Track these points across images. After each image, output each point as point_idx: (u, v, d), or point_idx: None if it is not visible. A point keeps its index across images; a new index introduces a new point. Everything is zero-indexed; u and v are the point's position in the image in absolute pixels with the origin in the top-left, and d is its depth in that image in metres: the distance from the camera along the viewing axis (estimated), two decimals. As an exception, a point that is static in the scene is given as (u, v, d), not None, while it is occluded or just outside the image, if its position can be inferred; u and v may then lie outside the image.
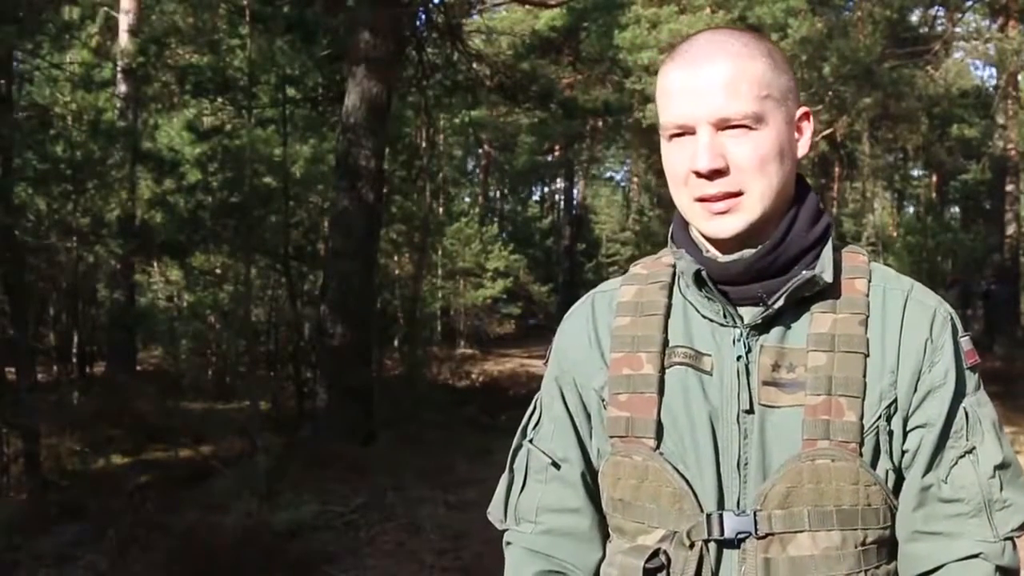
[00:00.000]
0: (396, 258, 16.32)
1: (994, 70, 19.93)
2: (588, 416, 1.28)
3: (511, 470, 1.33)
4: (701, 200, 1.16)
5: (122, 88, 12.68)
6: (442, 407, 11.88)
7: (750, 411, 1.16)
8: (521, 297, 24.83)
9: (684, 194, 1.18)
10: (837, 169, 28.85)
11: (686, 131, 1.16)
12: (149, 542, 5.98)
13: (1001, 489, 1.16)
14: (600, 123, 23.60)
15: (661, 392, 1.19)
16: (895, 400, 1.16)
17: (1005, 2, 17.96)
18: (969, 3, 19.39)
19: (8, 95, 9.22)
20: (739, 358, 1.17)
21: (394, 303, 15.78)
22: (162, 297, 15.31)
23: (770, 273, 1.17)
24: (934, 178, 28.90)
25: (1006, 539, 1.15)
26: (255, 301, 12.53)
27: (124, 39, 12.65)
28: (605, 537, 1.29)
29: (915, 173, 31.91)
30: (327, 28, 10.73)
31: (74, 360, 12.39)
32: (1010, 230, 19.24)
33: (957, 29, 19.12)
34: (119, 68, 12.36)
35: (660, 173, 1.30)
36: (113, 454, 9.11)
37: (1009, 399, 10.57)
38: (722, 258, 1.19)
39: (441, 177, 18.51)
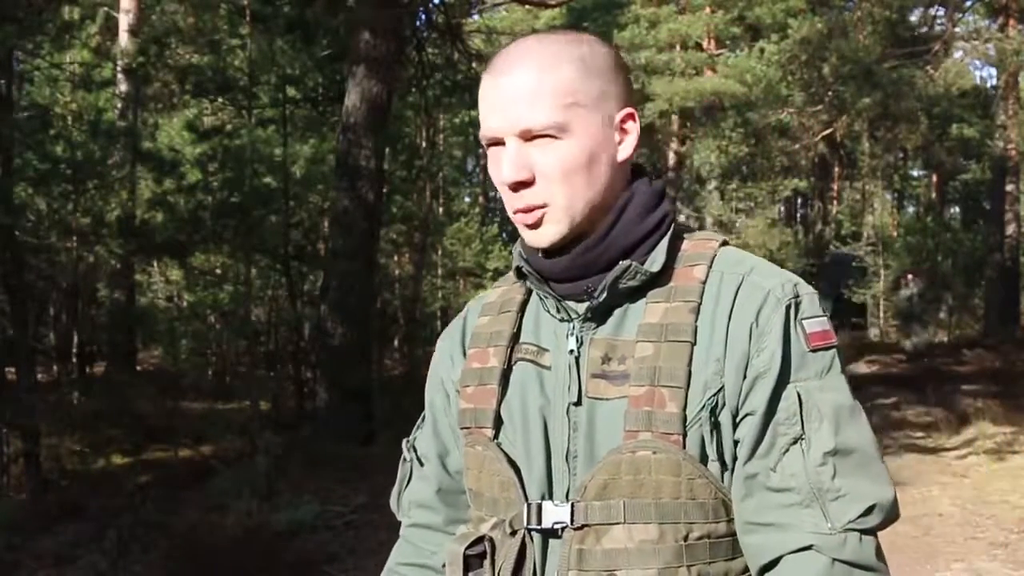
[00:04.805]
0: (396, 258, 16.34)
1: (994, 70, 19.94)
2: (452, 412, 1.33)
3: (402, 465, 1.41)
4: (515, 211, 1.18)
5: (122, 88, 12.69)
6: (442, 407, 11.85)
7: (578, 403, 1.16)
8: (521, 297, 24.80)
9: (505, 203, 1.20)
10: (837, 169, 28.88)
11: (497, 142, 1.17)
12: (149, 542, 5.99)
13: (833, 477, 1.09)
14: (600, 123, 23.57)
15: (504, 386, 1.22)
16: (721, 389, 1.12)
17: (1005, 2, 17.96)
18: (969, 3, 19.38)
19: (8, 95, 9.24)
20: (571, 352, 1.18)
21: (394, 303, 15.79)
22: (162, 297, 15.32)
23: (597, 268, 1.17)
24: (934, 178, 28.92)
25: (847, 531, 1.08)
26: (255, 301, 12.54)
27: (124, 39, 12.65)
28: None
29: (915, 173, 31.94)
30: (327, 28, 10.74)
31: (74, 360, 12.40)
32: (1010, 230, 19.23)
33: (957, 29, 19.08)
34: (119, 68, 12.37)
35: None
36: (113, 454, 9.12)
37: (1009, 399, 10.55)
38: (547, 260, 1.21)
39: (441, 177, 18.51)
